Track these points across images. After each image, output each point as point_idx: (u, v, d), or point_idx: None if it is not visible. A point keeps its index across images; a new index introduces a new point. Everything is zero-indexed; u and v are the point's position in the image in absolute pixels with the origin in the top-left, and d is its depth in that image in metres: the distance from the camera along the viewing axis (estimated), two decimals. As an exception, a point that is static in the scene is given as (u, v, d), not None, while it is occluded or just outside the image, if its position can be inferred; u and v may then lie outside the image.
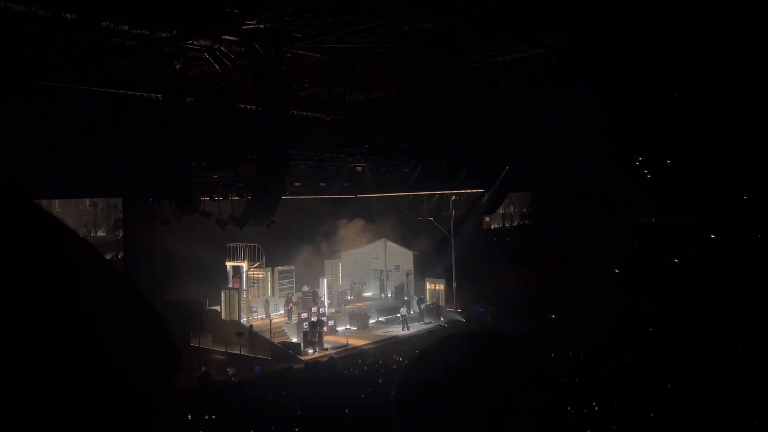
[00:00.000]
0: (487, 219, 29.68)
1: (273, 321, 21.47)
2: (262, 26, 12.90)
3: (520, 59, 16.84)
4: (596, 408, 11.54)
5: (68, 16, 11.76)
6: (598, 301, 22.02)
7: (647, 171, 28.54)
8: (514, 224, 30.98)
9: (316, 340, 20.32)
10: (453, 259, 27.00)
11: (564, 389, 11.31)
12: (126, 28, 12.75)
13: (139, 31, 13.00)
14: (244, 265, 23.07)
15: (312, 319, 21.23)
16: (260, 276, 23.53)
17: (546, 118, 22.25)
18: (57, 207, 20.51)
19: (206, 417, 12.57)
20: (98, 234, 22.46)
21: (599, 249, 27.59)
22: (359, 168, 23.11)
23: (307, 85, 18.32)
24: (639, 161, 28.72)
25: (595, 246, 27.40)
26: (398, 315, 23.47)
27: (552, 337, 19.15)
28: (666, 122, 23.32)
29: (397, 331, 22.79)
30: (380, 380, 15.69)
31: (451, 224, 27.40)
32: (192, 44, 14.04)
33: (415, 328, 23.32)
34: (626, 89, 19.83)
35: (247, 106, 17.84)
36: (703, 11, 13.10)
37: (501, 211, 30.25)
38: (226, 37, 13.88)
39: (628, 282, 24.62)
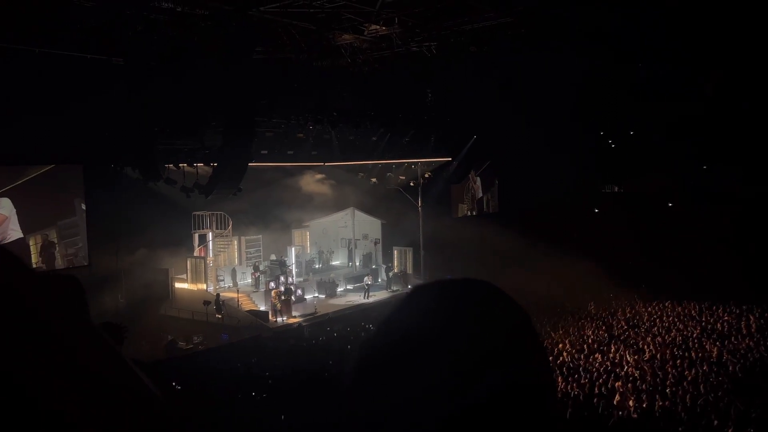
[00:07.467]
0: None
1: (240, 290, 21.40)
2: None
3: (489, 27, 16.76)
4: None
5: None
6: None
7: (611, 141, 29.02)
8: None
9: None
10: (420, 227, 27.16)
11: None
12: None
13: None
14: (210, 233, 22.84)
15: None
16: (227, 244, 23.34)
17: (514, 86, 22.32)
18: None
19: (173, 384, 12.51)
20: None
21: (568, 216, 28.09)
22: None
23: (271, 50, 17.94)
24: (602, 133, 29.21)
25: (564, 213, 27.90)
26: (364, 284, 23.60)
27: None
28: (632, 93, 23.66)
29: (360, 299, 22.95)
30: (348, 346, 15.84)
31: (419, 193, 27.48)
32: (155, 4, 13.60)
33: (380, 296, 23.52)
34: (594, 59, 19.97)
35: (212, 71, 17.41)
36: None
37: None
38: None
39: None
